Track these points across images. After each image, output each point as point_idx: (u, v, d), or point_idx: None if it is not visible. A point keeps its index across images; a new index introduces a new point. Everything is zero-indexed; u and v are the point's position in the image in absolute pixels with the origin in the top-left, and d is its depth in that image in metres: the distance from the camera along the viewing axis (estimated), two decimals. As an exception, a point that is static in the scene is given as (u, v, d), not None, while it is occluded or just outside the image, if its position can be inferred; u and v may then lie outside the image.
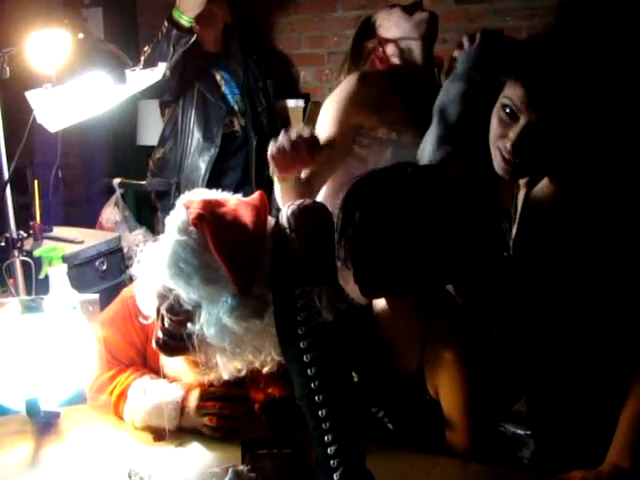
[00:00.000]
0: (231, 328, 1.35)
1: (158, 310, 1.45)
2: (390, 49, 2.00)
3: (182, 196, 1.42)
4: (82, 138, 3.45)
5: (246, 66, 3.13)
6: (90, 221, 3.53)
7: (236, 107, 3.12)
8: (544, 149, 1.30)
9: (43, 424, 1.58)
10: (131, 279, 1.57)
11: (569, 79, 1.26)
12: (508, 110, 1.30)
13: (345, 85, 1.95)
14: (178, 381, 1.57)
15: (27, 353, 1.54)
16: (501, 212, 1.50)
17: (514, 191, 1.47)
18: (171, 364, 1.57)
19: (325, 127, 1.90)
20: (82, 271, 2.47)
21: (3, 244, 1.80)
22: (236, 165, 3.11)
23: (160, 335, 1.46)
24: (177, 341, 1.42)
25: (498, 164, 1.36)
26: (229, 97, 3.12)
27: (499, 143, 1.34)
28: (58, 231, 2.63)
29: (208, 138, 3.04)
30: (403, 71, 1.99)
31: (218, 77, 3.11)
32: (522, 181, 1.45)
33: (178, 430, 1.53)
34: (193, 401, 1.53)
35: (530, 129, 1.28)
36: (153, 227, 3.70)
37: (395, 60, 1.99)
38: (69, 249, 2.48)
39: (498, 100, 1.34)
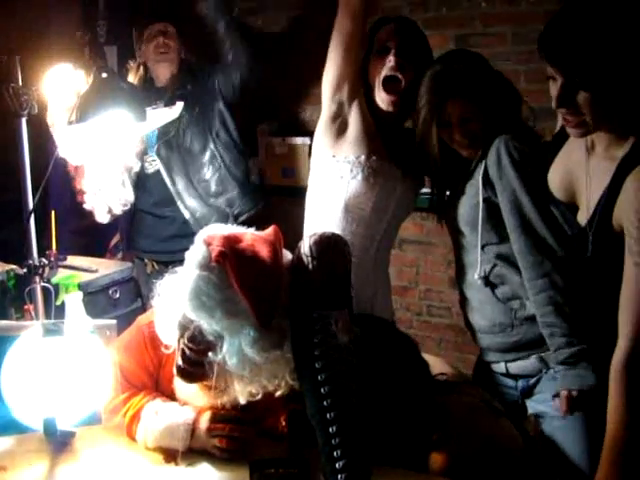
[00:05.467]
0: (252, 358, 1.40)
1: (178, 340, 1.51)
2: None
3: (201, 231, 1.49)
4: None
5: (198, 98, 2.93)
6: (99, 250, 3.59)
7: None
8: (589, 101, 1.40)
9: (59, 443, 1.63)
10: (144, 307, 1.63)
11: (586, 37, 1.36)
12: (551, 78, 1.43)
13: None
14: (189, 404, 1.63)
15: (46, 374, 1.60)
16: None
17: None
18: (183, 388, 1.63)
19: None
20: (96, 299, 2.51)
21: (25, 271, 1.87)
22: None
23: (181, 363, 1.52)
24: (197, 369, 1.49)
25: (566, 127, 1.48)
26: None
27: (554, 105, 1.46)
28: (72, 260, 2.67)
29: None
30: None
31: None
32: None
33: (188, 451, 1.58)
34: (204, 423, 1.59)
35: (567, 86, 1.40)
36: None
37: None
38: (84, 277, 2.54)
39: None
